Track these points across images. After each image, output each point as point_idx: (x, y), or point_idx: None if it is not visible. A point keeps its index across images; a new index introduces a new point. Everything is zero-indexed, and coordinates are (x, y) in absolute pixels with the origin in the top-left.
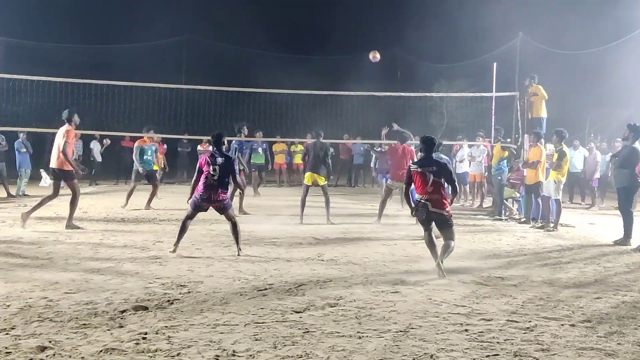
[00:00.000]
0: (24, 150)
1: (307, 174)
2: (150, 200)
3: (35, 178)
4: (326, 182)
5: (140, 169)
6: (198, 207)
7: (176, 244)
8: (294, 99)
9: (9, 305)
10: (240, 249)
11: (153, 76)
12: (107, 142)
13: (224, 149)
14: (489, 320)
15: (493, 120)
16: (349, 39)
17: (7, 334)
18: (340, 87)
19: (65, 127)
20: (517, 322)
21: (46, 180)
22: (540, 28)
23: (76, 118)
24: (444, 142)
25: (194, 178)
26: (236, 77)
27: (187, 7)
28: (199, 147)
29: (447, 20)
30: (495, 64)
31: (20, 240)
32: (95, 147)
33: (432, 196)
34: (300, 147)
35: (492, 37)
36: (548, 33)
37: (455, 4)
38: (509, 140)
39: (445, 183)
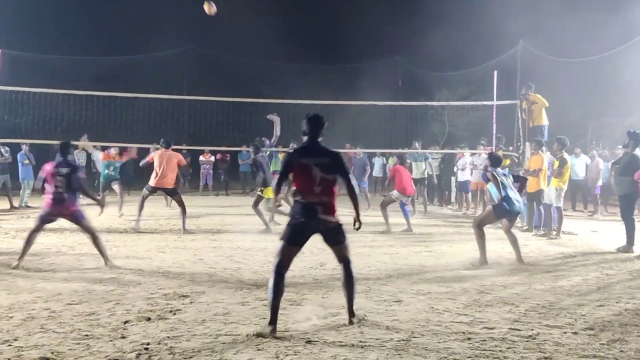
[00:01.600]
0: (27, 162)
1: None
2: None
3: (38, 190)
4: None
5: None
6: (45, 221)
7: (20, 258)
8: (296, 109)
9: (11, 317)
10: (107, 260)
11: (155, 87)
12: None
13: (70, 159)
14: (491, 328)
15: (494, 128)
16: (349, 48)
17: (10, 345)
18: (342, 96)
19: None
20: (519, 330)
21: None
22: (541, 36)
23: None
24: (446, 151)
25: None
26: (238, 88)
27: (188, 17)
28: (201, 158)
29: (448, 29)
30: (496, 72)
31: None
32: (98, 158)
33: (322, 198)
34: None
35: (493, 45)
36: (549, 41)
37: (456, 13)
38: (510, 148)
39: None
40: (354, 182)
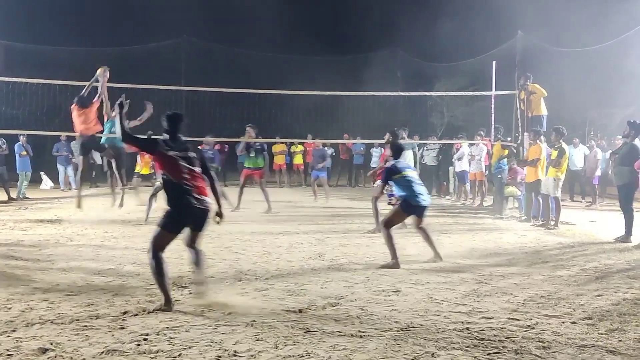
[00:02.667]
0: (24, 153)
1: None
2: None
3: (35, 181)
4: None
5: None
6: None
7: None
8: (294, 100)
9: (10, 308)
10: None
11: (152, 78)
12: None
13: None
14: (490, 318)
15: (493, 118)
16: (348, 39)
17: (8, 336)
18: (340, 87)
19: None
20: (518, 320)
21: (47, 182)
22: (540, 26)
23: None
24: (444, 141)
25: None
26: (235, 78)
27: (184, 8)
28: (198, 148)
29: (447, 20)
30: (494, 62)
31: (21, 242)
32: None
33: (195, 182)
34: (300, 148)
35: (492, 36)
36: (548, 31)
37: (455, 3)
38: (509, 138)
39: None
40: (214, 175)
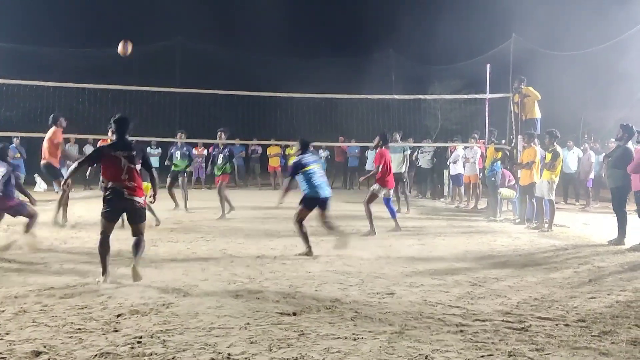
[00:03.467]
0: (18, 155)
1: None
2: None
3: (29, 183)
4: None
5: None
6: None
7: None
8: (289, 102)
9: (3, 311)
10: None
11: (146, 79)
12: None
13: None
14: (483, 320)
15: (487, 121)
16: (341, 42)
17: (1, 339)
18: (334, 89)
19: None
20: (511, 322)
21: (41, 185)
22: (534, 29)
23: (62, 121)
24: (439, 144)
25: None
26: (230, 80)
27: (178, 10)
28: (193, 150)
29: (441, 23)
30: (488, 65)
31: (15, 245)
32: (89, 151)
33: (128, 183)
34: (295, 150)
35: (486, 39)
36: (542, 34)
37: (449, 6)
38: (503, 141)
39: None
40: (154, 172)
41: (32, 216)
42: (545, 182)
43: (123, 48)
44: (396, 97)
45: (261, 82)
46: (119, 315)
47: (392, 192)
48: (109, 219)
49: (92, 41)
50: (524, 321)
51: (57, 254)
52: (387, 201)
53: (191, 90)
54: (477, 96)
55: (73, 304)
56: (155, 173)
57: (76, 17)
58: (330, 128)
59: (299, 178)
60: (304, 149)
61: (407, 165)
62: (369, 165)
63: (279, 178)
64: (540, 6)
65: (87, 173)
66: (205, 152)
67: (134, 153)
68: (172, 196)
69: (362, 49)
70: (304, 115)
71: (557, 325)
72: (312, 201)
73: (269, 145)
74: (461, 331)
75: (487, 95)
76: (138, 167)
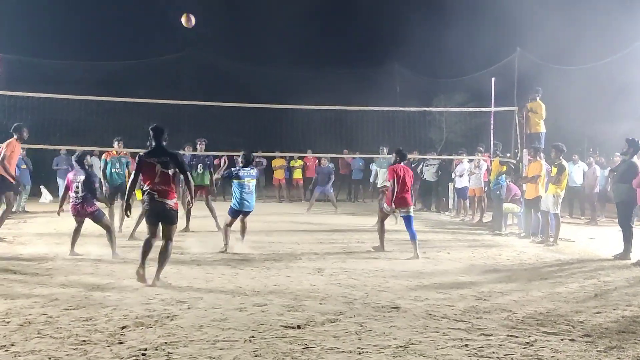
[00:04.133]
0: (24, 166)
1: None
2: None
3: (35, 194)
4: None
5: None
6: (77, 221)
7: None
8: (294, 114)
9: (8, 322)
10: (116, 253)
11: (154, 92)
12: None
13: (86, 166)
14: (489, 335)
15: (492, 135)
16: (347, 54)
17: (6, 350)
18: (339, 102)
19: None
20: (517, 337)
21: (46, 196)
22: (539, 43)
23: (24, 133)
24: (444, 157)
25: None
26: (236, 93)
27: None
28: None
29: (445, 35)
30: (493, 79)
31: (20, 256)
32: (95, 163)
33: (159, 187)
34: (299, 162)
35: (491, 52)
36: (546, 48)
37: (454, 20)
38: (508, 155)
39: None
40: (189, 176)
41: (108, 227)
42: (550, 196)
43: (187, 21)
44: (401, 109)
45: (267, 94)
46: (123, 327)
47: (411, 209)
48: (149, 222)
49: (100, 54)
50: (530, 336)
51: (62, 266)
52: (407, 221)
53: (198, 103)
54: (482, 109)
55: (78, 316)
56: (190, 178)
57: (85, 30)
58: (335, 140)
59: (233, 186)
60: (245, 164)
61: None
62: (373, 178)
63: (283, 190)
64: (545, 20)
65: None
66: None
67: (168, 159)
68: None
69: (367, 62)
70: (309, 127)
71: (562, 340)
72: (236, 211)
73: (274, 158)
74: (466, 345)
75: (492, 109)
76: (171, 172)
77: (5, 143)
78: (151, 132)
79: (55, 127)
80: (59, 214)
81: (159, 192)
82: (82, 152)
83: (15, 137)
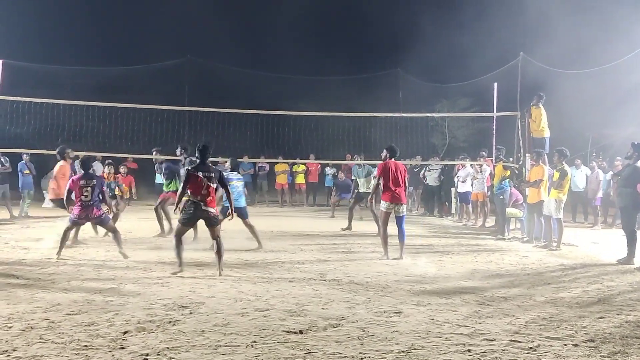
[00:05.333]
0: (27, 171)
1: None
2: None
3: (38, 199)
4: None
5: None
6: (76, 223)
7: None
8: (296, 120)
9: (10, 327)
10: (123, 252)
11: (155, 98)
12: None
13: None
14: (491, 340)
15: (494, 139)
16: (351, 60)
17: (8, 355)
18: (342, 107)
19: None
20: (519, 342)
21: (49, 201)
22: (542, 48)
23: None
24: (447, 162)
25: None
26: (238, 99)
27: (188, 29)
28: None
29: (448, 41)
30: (496, 83)
31: (23, 261)
32: (98, 168)
33: (206, 197)
34: (302, 167)
35: (493, 57)
36: (549, 53)
37: (456, 24)
38: (510, 159)
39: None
40: (229, 188)
41: (114, 229)
42: (553, 200)
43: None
44: (404, 115)
45: (269, 100)
46: (125, 332)
47: (404, 208)
48: (185, 225)
49: (102, 59)
50: (533, 341)
51: (65, 271)
52: (399, 220)
53: (200, 109)
54: (485, 114)
55: (80, 321)
56: (230, 190)
57: (87, 36)
58: (337, 146)
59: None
60: (233, 169)
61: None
62: (353, 188)
63: (286, 195)
64: (549, 25)
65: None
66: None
67: (212, 174)
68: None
69: (369, 67)
70: (311, 133)
71: (565, 345)
72: (226, 209)
73: (277, 163)
74: (469, 350)
75: (495, 114)
76: (214, 185)
77: (57, 166)
78: (198, 152)
79: (57, 132)
80: (69, 212)
81: (206, 202)
82: (86, 157)
83: (63, 160)
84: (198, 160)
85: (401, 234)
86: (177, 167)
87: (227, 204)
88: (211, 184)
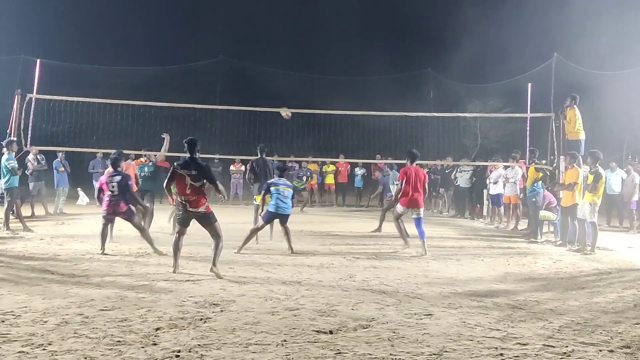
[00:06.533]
0: (62, 169)
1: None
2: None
3: (72, 197)
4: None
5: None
6: (107, 219)
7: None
8: (326, 120)
9: (46, 321)
10: (156, 250)
11: (188, 97)
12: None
13: (119, 169)
14: (524, 344)
15: (528, 141)
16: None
17: (44, 349)
18: (373, 107)
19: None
20: (553, 347)
21: (83, 199)
22: (576, 48)
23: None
24: (478, 163)
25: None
26: (269, 98)
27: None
28: (231, 167)
29: (481, 40)
30: (530, 84)
31: (58, 257)
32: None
33: (191, 197)
34: (332, 167)
35: (527, 57)
36: (584, 53)
37: (490, 24)
38: (544, 161)
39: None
40: (219, 184)
41: (141, 227)
42: (587, 203)
43: (285, 115)
44: (435, 114)
45: (299, 99)
46: (157, 329)
47: (422, 211)
48: (180, 224)
49: (136, 59)
50: (567, 346)
51: (98, 267)
52: (417, 221)
53: (231, 108)
54: (518, 115)
55: (113, 316)
56: (220, 186)
57: (121, 37)
58: (367, 145)
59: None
60: (280, 174)
61: None
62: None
63: (315, 195)
64: (583, 25)
65: None
66: (243, 168)
67: (195, 171)
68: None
69: (400, 67)
70: (341, 132)
71: (600, 351)
72: (272, 214)
73: (307, 163)
74: (501, 355)
75: (528, 115)
76: (198, 184)
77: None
78: (186, 145)
79: (92, 130)
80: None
81: (191, 202)
82: (119, 152)
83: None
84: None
85: (421, 234)
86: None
87: (272, 209)
88: (194, 183)
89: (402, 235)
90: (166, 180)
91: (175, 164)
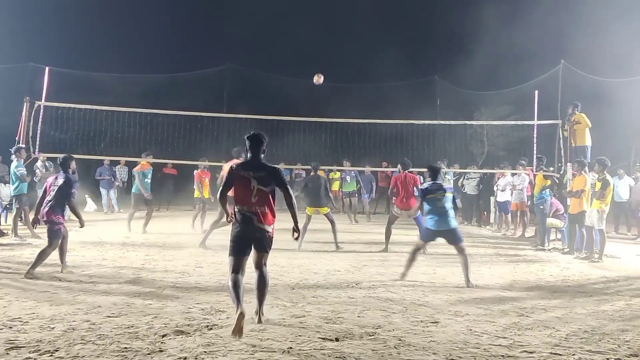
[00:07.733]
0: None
1: (309, 208)
2: (146, 223)
3: (79, 203)
4: (329, 210)
5: (146, 195)
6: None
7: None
8: (333, 127)
9: (53, 327)
10: (64, 265)
11: (195, 104)
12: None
13: (69, 172)
14: (531, 352)
15: (535, 148)
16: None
17: (51, 355)
18: (379, 114)
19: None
20: (560, 355)
21: (90, 205)
22: (583, 55)
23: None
24: (485, 170)
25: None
26: (277, 106)
27: (228, 37)
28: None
29: (487, 48)
30: (536, 91)
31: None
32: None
33: (258, 208)
34: (338, 174)
35: (534, 65)
36: (591, 60)
37: (496, 31)
38: (551, 168)
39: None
40: (292, 193)
41: (50, 246)
42: (595, 211)
43: (317, 79)
44: (442, 122)
45: (306, 107)
46: (164, 336)
47: (415, 211)
48: (238, 254)
49: (144, 67)
50: (574, 354)
51: (105, 274)
52: (417, 221)
53: (238, 116)
54: (525, 122)
55: (120, 323)
56: (294, 197)
57: (129, 44)
58: (373, 153)
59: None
60: (434, 176)
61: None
62: None
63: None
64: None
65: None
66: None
67: (264, 174)
68: None
69: (406, 74)
70: (347, 140)
71: (608, 359)
72: (430, 232)
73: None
74: None
75: (535, 122)
76: (268, 189)
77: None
78: (247, 141)
79: (100, 137)
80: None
81: (258, 215)
82: (68, 155)
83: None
84: (249, 156)
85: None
86: None
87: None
88: (264, 188)
89: (385, 240)
90: (221, 189)
91: (232, 166)
